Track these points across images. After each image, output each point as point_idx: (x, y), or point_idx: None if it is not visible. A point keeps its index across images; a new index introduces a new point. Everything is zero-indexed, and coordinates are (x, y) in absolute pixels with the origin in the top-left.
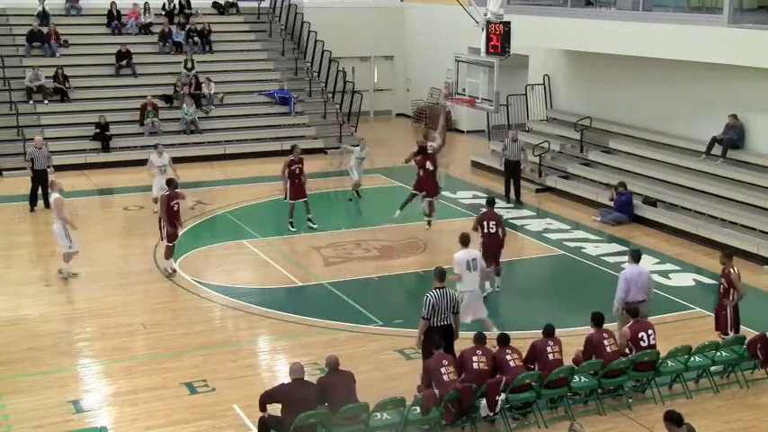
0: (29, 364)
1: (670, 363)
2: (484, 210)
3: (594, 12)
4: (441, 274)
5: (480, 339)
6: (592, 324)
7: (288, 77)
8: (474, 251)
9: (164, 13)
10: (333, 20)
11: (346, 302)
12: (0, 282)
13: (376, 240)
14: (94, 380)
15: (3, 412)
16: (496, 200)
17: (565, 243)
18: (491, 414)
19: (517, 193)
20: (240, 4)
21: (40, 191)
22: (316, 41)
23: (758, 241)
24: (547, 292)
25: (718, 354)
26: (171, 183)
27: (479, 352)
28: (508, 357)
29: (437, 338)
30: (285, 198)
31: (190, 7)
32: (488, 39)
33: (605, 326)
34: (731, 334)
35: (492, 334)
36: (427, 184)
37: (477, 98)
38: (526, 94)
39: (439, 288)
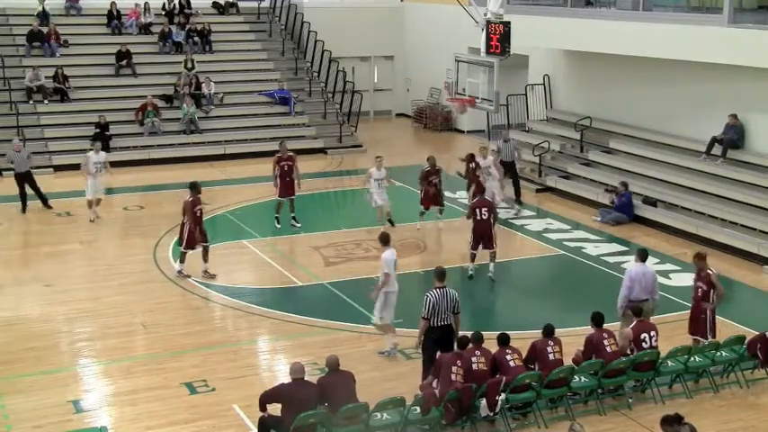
0: (29, 363)
1: (670, 363)
2: (476, 198)
3: (594, 12)
4: (441, 274)
5: (478, 339)
6: (592, 324)
7: (288, 77)
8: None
9: (164, 13)
10: (333, 20)
11: (346, 302)
12: (0, 281)
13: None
14: (94, 380)
15: (3, 412)
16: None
17: (565, 243)
18: (491, 414)
19: (517, 193)
20: (240, 4)
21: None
22: (316, 41)
23: (758, 241)
24: (547, 292)
25: (718, 354)
26: (195, 186)
27: (478, 352)
28: (508, 357)
29: (464, 339)
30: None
31: (190, 7)
32: (488, 39)
33: (605, 326)
34: (710, 338)
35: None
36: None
37: (478, 98)
38: (526, 94)
39: (439, 288)
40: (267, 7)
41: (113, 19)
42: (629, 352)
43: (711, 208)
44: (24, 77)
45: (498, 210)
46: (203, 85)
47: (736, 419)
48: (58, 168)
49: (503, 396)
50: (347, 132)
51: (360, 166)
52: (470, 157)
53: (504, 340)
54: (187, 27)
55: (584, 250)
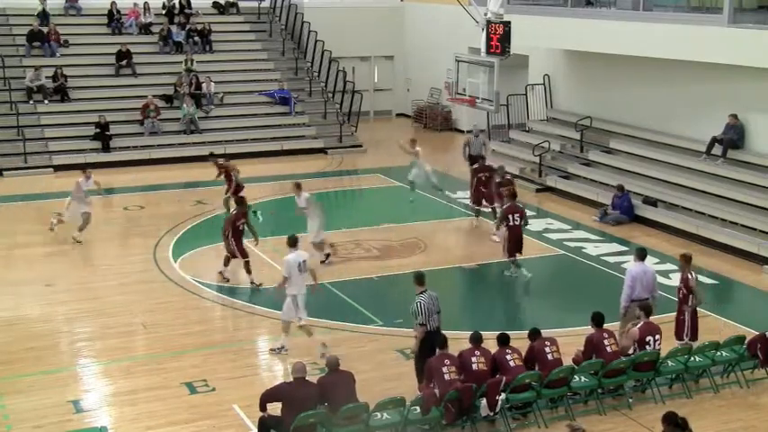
0: (29, 363)
1: (670, 363)
2: (507, 204)
3: (595, 12)
4: (421, 277)
5: (477, 339)
6: (592, 324)
7: (288, 77)
8: (303, 253)
9: (164, 12)
10: (333, 20)
11: (346, 302)
12: (0, 281)
13: (376, 240)
14: (94, 380)
15: (2, 412)
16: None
17: (565, 243)
18: (491, 414)
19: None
20: (240, 4)
21: None
22: (316, 41)
23: (758, 241)
24: (547, 292)
25: (719, 354)
26: (242, 201)
27: (477, 352)
28: (508, 357)
29: (442, 339)
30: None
31: (190, 7)
32: (488, 39)
33: (606, 326)
34: (686, 340)
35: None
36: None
37: (478, 98)
38: (526, 94)
39: (423, 292)
40: (267, 7)
41: (113, 19)
42: (630, 352)
43: (712, 208)
44: (24, 77)
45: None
46: (203, 84)
47: (736, 419)
48: (57, 168)
49: (503, 396)
50: (347, 132)
51: (360, 165)
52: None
53: (503, 340)
54: (187, 27)
55: (584, 250)
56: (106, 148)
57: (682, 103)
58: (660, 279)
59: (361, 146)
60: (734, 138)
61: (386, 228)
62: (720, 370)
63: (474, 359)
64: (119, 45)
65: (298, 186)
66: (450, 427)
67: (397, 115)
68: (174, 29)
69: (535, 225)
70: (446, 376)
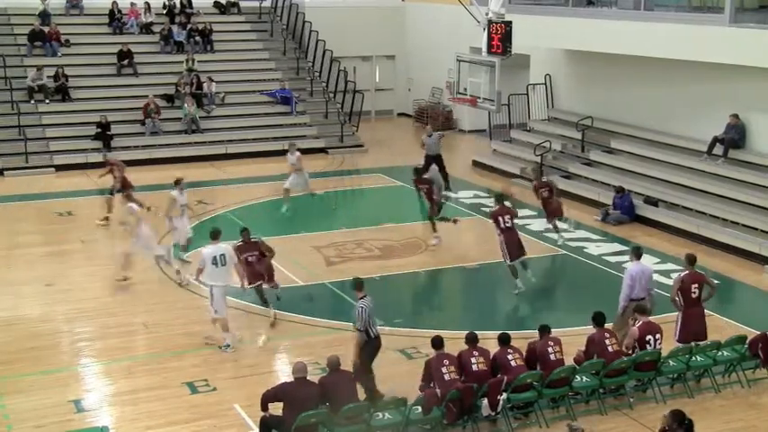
0: (29, 363)
1: (671, 362)
2: (495, 207)
3: (596, 11)
4: (361, 284)
5: (473, 340)
6: (593, 324)
7: (289, 77)
8: (223, 246)
9: (165, 12)
10: (334, 19)
11: (348, 302)
12: (0, 281)
13: (377, 240)
14: (95, 379)
15: (3, 412)
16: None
17: (566, 243)
18: (493, 414)
19: (447, 185)
20: (241, 4)
21: None
22: (317, 41)
23: (759, 241)
24: (548, 292)
25: (720, 353)
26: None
27: (476, 353)
28: (509, 357)
29: (437, 341)
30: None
31: (191, 7)
32: (490, 38)
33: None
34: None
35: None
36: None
37: (479, 98)
38: (527, 94)
39: (364, 297)
40: (268, 7)
41: (114, 18)
42: (630, 352)
43: (713, 208)
44: (26, 77)
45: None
46: (204, 84)
47: (737, 419)
48: (59, 168)
49: (504, 396)
50: (348, 132)
51: (361, 165)
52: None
53: (504, 340)
54: (188, 26)
55: (585, 250)
56: (107, 148)
57: (683, 102)
58: (662, 279)
59: (362, 146)
60: (735, 137)
61: (387, 227)
62: (722, 370)
63: (473, 359)
64: (120, 45)
65: (293, 145)
66: (451, 427)
67: (399, 115)
68: (174, 28)
69: (536, 225)
70: (446, 376)
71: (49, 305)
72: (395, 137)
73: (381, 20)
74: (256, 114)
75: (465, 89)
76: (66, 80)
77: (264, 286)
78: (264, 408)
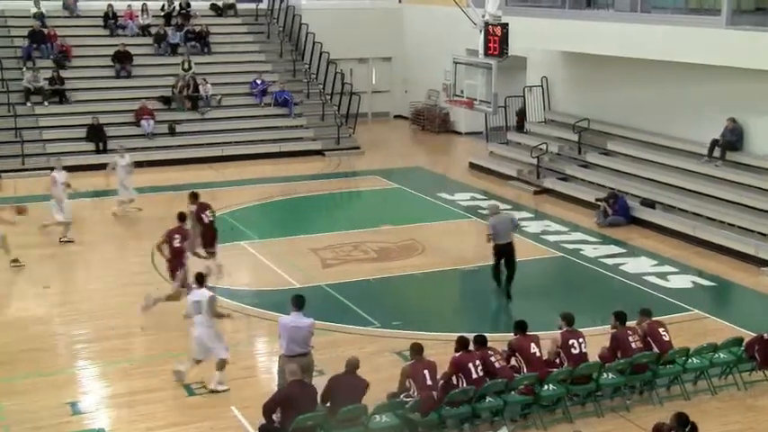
0: (26, 365)
1: (668, 364)
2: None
3: (593, 13)
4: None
5: (466, 345)
6: (617, 321)
7: (286, 79)
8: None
9: (162, 14)
10: (331, 21)
11: (344, 304)
12: None
13: (374, 242)
14: (92, 382)
15: (0, 414)
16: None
17: (563, 245)
18: None
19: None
20: (238, 6)
21: None
22: (314, 43)
23: (756, 243)
24: (545, 294)
25: (716, 356)
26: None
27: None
28: (492, 359)
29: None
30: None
31: (188, 8)
32: (486, 40)
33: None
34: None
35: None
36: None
37: (476, 100)
38: (524, 96)
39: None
40: (265, 9)
41: (110, 21)
42: (557, 360)
43: (709, 210)
44: (23, 79)
45: None
46: (200, 86)
47: (734, 421)
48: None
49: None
50: (345, 134)
51: (358, 167)
52: None
53: (482, 341)
54: (185, 29)
55: (582, 252)
56: (99, 150)
57: (679, 105)
58: (658, 281)
59: (359, 147)
60: (732, 140)
61: (384, 230)
62: (718, 372)
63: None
64: (116, 47)
65: None
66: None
67: (395, 117)
68: (170, 31)
69: (533, 227)
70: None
71: (46, 307)
72: (392, 139)
73: (378, 22)
74: (253, 116)
75: (462, 91)
76: (63, 83)
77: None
78: (269, 419)
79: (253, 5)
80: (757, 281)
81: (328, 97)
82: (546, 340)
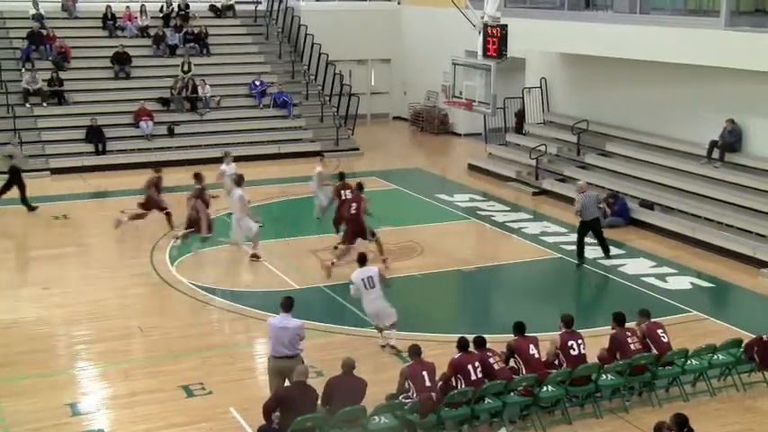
0: (26, 366)
1: (667, 366)
2: None
3: (592, 15)
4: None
5: (465, 347)
6: (615, 323)
7: (285, 80)
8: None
9: (161, 15)
10: (330, 23)
11: (343, 305)
12: None
13: (374, 244)
14: (92, 383)
15: (0, 414)
16: None
17: (562, 246)
18: None
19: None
20: (237, 7)
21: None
22: (313, 44)
23: (754, 244)
24: (543, 295)
25: (715, 357)
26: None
27: (476, 363)
28: (491, 361)
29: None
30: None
31: (187, 9)
32: (485, 42)
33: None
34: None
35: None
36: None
37: (474, 101)
38: (523, 98)
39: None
40: (264, 10)
41: (109, 22)
42: (556, 362)
43: (708, 211)
44: (21, 80)
45: None
46: (199, 87)
47: (733, 422)
48: (54, 171)
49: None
50: (344, 135)
51: (357, 169)
52: None
53: (481, 343)
54: (184, 30)
55: None
56: (98, 152)
57: (678, 106)
58: (657, 282)
59: (358, 149)
60: (731, 141)
61: (383, 231)
62: (717, 373)
63: (470, 368)
64: (115, 48)
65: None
66: (449, 429)
67: (394, 118)
68: (168, 32)
69: (532, 228)
70: (427, 383)
71: (46, 308)
72: (390, 140)
73: (377, 23)
74: (252, 118)
75: (460, 92)
76: (61, 84)
77: None
78: (269, 419)
79: (251, 7)
80: (756, 282)
81: (327, 98)
82: (545, 341)
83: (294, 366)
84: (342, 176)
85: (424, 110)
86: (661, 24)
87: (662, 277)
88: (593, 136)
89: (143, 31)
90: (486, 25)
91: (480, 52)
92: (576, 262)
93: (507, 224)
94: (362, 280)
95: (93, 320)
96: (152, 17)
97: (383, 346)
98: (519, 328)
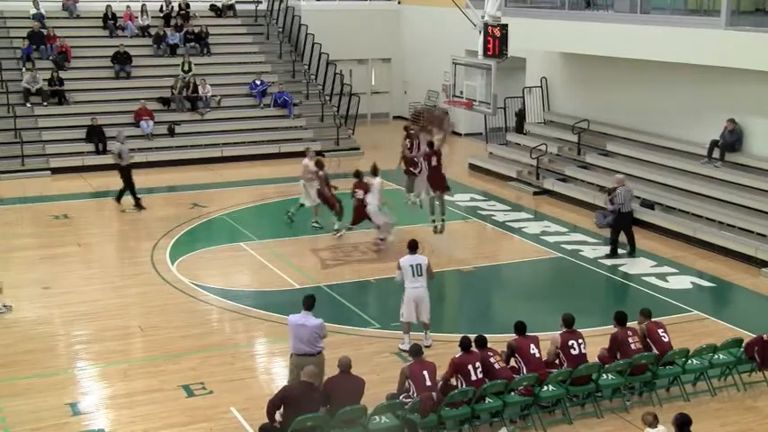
0: (26, 366)
1: (667, 365)
2: None
3: (592, 14)
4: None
5: (467, 347)
6: (616, 323)
7: (285, 80)
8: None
9: (161, 15)
10: (330, 22)
11: (344, 305)
12: None
13: (374, 243)
14: (92, 382)
15: (0, 414)
16: None
17: (562, 246)
18: None
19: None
20: (237, 7)
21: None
22: (313, 44)
23: (756, 244)
24: (544, 295)
25: (716, 356)
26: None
27: (477, 364)
28: (492, 360)
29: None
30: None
31: (188, 9)
32: (486, 41)
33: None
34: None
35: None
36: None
37: (475, 101)
38: (524, 97)
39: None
40: (264, 10)
41: (109, 20)
42: (556, 362)
43: (709, 211)
44: (22, 80)
45: None
46: (199, 87)
47: (733, 422)
48: (55, 171)
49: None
50: (344, 135)
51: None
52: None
53: (481, 342)
54: (184, 29)
55: (581, 253)
56: (99, 151)
57: (679, 105)
58: (658, 282)
59: (358, 148)
60: (731, 141)
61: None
62: (718, 373)
63: (471, 368)
64: (115, 48)
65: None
66: (450, 429)
67: (395, 118)
68: (169, 31)
69: (532, 228)
70: (428, 383)
71: (46, 308)
72: (391, 140)
73: (377, 23)
74: (252, 117)
75: (461, 92)
76: (62, 83)
77: None
78: (271, 416)
79: (252, 6)
80: (757, 282)
81: (328, 98)
82: (545, 341)
83: (316, 365)
84: (358, 174)
85: (424, 109)
86: (661, 24)
87: (663, 277)
88: (593, 135)
89: (143, 31)
90: (486, 25)
91: (481, 52)
92: (604, 259)
93: (508, 224)
94: (411, 266)
95: (93, 320)
96: (152, 17)
97: (427, 346)
98: (519, 328)
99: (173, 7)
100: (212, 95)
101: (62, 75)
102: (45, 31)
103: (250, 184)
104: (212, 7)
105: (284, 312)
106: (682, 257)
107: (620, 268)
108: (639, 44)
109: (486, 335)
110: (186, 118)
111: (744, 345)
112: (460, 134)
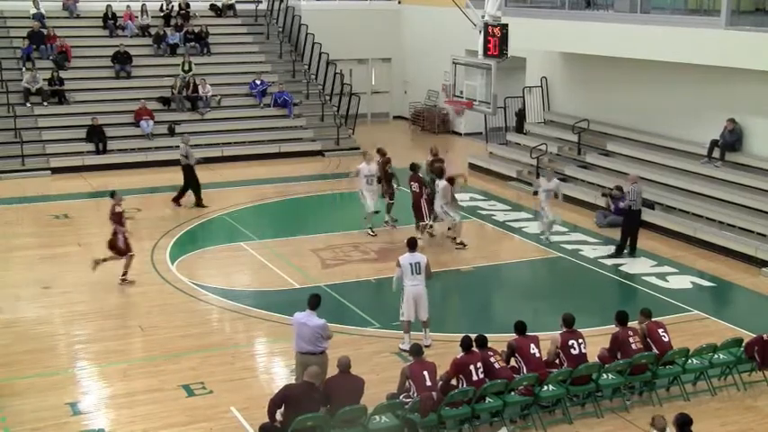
0: (26, 366)
1: (668, 365)
2: None
3: (592, 14)
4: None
5: (469, 347)
6: (617, 323)
7: (286, 80)
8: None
9: (161, 14)
10: (330, 22)
11: (344, 305)
12: None
13: (373, 243)
14: (92, 382)
15: (0, 414)
16: None
17: (563, 245)
18: None
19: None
20: (237, 7)
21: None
22: (313, 44)
23: (756, 244)
24: (544, 295)
25: (716, 356)
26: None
27: (478, 364)
28: (492, 360)
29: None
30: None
31: (188, 9)
32: (486, 41)
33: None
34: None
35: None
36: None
37: (475, 100)
38: (524, 97)
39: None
40: (264, 10)
41: (109, 20)
42: (556, 361)
43: (709, 210)
44: (22, 80)
45: None
46: (199, 87)
47: (733, 422)
48: (55, 171)
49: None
50: (345, 135)
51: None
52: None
53: (481, 342)
54: (184, 29)
55: (581, 252)
56: (99, 151)
57: (679, 105)
58: (658, 282)
59: (358, 148)
60: (731, 141)
61: (383, 230)
62: (718, 372)
63: (472, 368)
64: (116, 47)
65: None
66: (450, 429)
67: (395, 117)
68: (169, 31)
69: (533, 227)
70: (428, 383)
71: (46, 307)
72: (391, 140)
73: (377, 23)
74: (253, 117)
75: (461, 92)
76: (62, 83)
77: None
78: (272, 415)
79: (252, 6)
80: (757, 282)
81: (328, 98)
82: (545, 341)
83: (319, 365)
84: (413, 167)
85: (424, 109)
86: (661, 24)
87: (663, 277)
88: (593, 135)
89: (144, 31)
90: (486, 24)
91: (481, 51)
92: (612, 257)
93: (508, 223)
94: (410, 264)
95: (93, 320)
96: (152, 16)
97: (427, 346)
98: (520, 328)
99: (173, 7)
100: (212, 95)
101: (62, 74)
102: (45, 31)
103: (250, 183)
104: (212, 7)
105: (284, 312)
106: (682, 257)
107: (621, 268)
108: (640, 44)
109: (486, 335)
110: (186, 118)
111: (744, 344)
112: (460, 134)
